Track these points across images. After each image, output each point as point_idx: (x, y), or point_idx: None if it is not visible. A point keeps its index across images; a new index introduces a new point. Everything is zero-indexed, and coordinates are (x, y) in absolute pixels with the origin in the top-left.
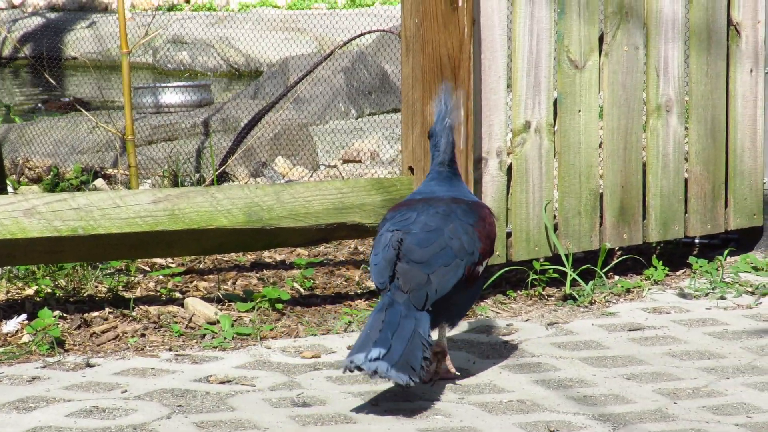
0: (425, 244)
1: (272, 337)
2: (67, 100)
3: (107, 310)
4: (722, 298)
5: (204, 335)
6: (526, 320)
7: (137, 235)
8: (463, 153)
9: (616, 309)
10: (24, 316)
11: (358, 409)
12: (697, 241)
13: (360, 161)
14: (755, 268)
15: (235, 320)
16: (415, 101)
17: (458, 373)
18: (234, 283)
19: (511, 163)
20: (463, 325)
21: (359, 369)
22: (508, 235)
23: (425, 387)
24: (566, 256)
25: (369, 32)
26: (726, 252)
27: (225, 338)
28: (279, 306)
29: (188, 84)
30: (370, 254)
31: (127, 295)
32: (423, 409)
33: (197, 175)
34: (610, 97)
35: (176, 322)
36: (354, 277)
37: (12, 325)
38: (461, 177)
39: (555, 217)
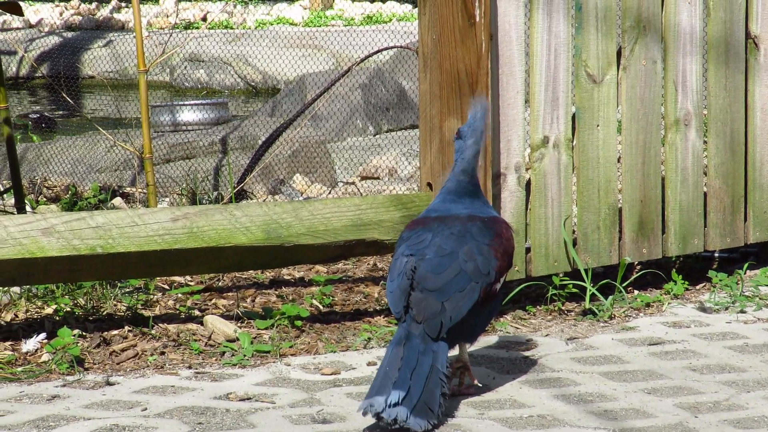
0: (439, 270)
1: (292, 354)
2: (36, 116)
3: (126, 328)
4: (742, 311)
5: (224, 353)
6: (546, 335)
7: (156, 253)
8: (482, 168)
9: (636, 323)
10: (43, 335)
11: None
12: (716, 254)
13: (378, 178)
14: None
15: (255, 337)
16: (433, 117)
17: (480, 385)
18: (253, 301)
19: (529, 179)
20: (482, 341)
21: (378, 416)
22: (527, 250)
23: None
24: (585, 271)
25: (386, 48)
26: (746, 266)
27: (245, 356)
28: (298, 323)
29: (206, 102)
30: (387, 278)
31: (147, 313)
32: (443, 425)
33: (215, 193)
34: (628, 112)
35: (196, 340)
36: (373, 293)
37: (31, 344)
38: (480, 187)
39: (574, 232)
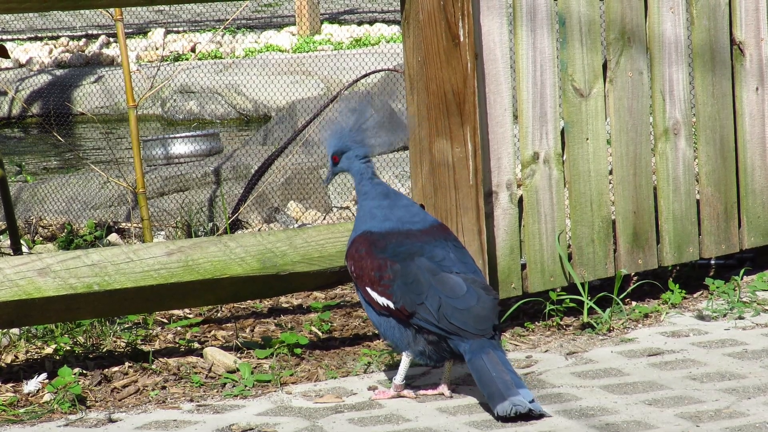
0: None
1: (293, 383)
2: None
3: (127, 364)
4: (740, 318)
5: (224, 384)
6: (545, 351)
7: (152, 288)
8: (473, 188)
9: (635, 335)
10: (44, 375)
11: None
12: (712, 262)
13: None
14: None
15: (255, 367)
16: (422, 139)
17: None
18: (252, 331)
19: (521, 195)
20: None
21: (530, 412)
22: (523, 267)
23: (448, 424)
24: (582, 284)
25: (374, 72)
26: (742, 272)
27: (245, 386)
28: (298, 351)
29: (197, 134)
30: (421, 297)
31: (146, 348)
32: None
33: (210, 225)
34: (617, 124)
35: (196, 373)
36: None
37: (33, 384)
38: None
39: (569, 246)
